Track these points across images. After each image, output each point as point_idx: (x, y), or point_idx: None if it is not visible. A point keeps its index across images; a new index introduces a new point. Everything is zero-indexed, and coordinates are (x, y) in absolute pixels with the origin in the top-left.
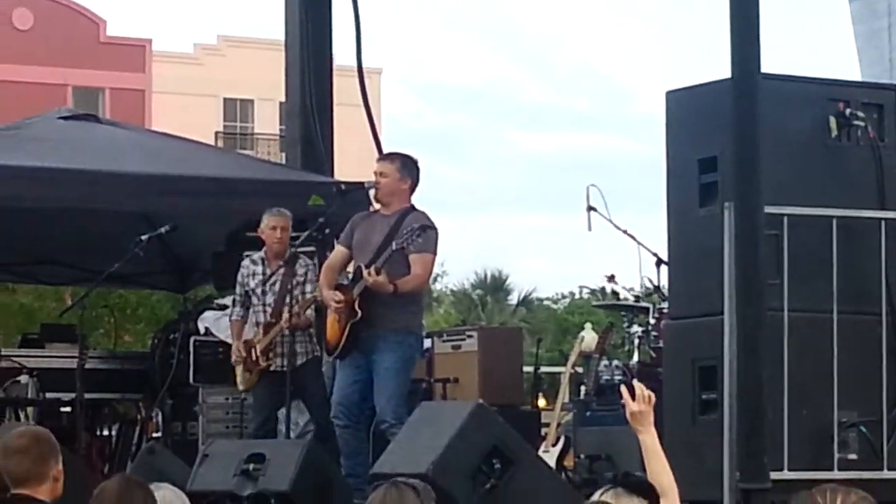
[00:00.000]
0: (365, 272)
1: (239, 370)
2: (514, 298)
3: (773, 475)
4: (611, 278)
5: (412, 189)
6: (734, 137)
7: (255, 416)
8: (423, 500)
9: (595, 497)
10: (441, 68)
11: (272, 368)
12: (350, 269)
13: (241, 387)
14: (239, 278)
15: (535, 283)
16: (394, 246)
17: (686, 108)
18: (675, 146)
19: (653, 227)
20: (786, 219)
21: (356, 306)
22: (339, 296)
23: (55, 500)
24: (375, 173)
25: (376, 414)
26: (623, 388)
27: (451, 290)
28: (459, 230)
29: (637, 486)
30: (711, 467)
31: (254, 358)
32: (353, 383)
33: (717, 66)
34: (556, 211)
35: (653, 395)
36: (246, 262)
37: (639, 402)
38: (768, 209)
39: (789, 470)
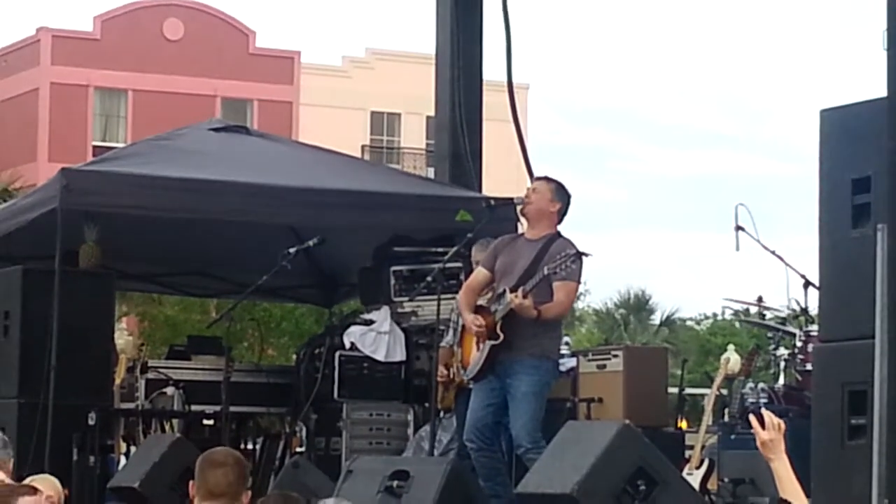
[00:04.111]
0: (510, 295)
1: (440, 390)
2: (656, 318)
3: None
4: (759, 300)
5: (560, 216)
6: (887, 157)
7: (457, 435)
8: None
9: None
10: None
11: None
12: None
13: (439, 405)
14: (453, 305)
15: (677, 303)
16: (545, 271)
17: (841, 126)
18: (828, 165)
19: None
20: None
21: (498, 329)
22: (480, 319)
23: None
24: (528, 189)
25: (512, 438)
26: (752, 418)
27: (594, 310)
28: (602, 249)
29: None
30: (860, 493)
31: (450, 375)
32: (487, 406)
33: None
34: (699, 230)
35: (782, 423)
36: None
37: (769, 431)
38: None
39: None
